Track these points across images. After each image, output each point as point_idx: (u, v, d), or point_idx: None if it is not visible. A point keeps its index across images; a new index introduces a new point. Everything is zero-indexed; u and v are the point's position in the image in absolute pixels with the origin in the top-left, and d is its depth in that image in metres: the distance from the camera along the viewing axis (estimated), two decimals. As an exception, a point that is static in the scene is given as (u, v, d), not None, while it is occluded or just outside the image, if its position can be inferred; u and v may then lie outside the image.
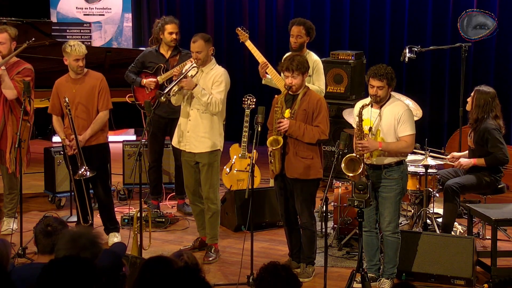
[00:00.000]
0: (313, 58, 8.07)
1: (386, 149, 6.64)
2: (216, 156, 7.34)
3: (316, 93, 7.03)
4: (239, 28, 8.41)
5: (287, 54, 8.29)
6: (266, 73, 8.17)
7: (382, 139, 6.65)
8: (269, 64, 8.17)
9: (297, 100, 6.86)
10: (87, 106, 7.51)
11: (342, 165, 6.52)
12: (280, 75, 8.14)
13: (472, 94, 7.88)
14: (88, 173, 7.41)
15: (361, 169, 6.46)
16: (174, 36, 8.55)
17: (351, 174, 6.47)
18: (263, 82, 8.38)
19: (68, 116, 7.43)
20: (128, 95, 8.83)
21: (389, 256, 6.85)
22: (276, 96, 7.10)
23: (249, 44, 8.34)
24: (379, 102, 6.67)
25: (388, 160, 6.70)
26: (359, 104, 6.79)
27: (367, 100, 6.73)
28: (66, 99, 7.39)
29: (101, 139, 7.63)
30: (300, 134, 6.78)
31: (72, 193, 8.02)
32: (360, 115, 6.65)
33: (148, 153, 8.75)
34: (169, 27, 8.57)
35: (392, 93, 6.83)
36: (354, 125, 6.79)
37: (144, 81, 8.60)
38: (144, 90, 8.68)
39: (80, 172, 7.40)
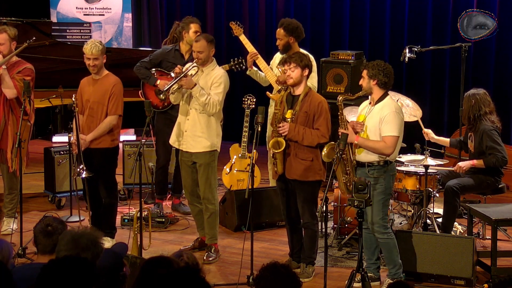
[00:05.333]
0: None
1: (362, 144, 6.62)
2: (213, 156, 7.33)
3: (318, 95, 7.01)
4: (232, 22, 8.52)
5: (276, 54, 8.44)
6: (255, 65, 8.30)
7: (367, 136, 6.65)
8: (259, 55, 8.29)
9: (298, 101, 6.85)
10: (99, 108, 7.51)
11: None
12: (272, 70, 8.22)
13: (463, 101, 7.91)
14: (84, 172, 7.33)
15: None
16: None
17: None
18: (247, 72, 8.46)
19: (74, 114, 7.45)
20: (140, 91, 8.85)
21: (386, 257, 6.83)
22: (268, 93, 7.02)
23: (243, 39, 8.45)
24: (364, 92, 6.71)
25: (369, 158, 6.65)
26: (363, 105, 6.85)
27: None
28: (73, 97, 7.43)
29: (107, 143, 7.51)
30: (299, 139, 6.77)
31: (73, 193, 8.03)
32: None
33: (159, 154, 8.70)
34: (194, 26, 8.55)
35: (392, 93, 6.83)
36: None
37: (159, 81, 8.45)
38: (154, 88, 8.62)
39: (77, 170, 7.38)
